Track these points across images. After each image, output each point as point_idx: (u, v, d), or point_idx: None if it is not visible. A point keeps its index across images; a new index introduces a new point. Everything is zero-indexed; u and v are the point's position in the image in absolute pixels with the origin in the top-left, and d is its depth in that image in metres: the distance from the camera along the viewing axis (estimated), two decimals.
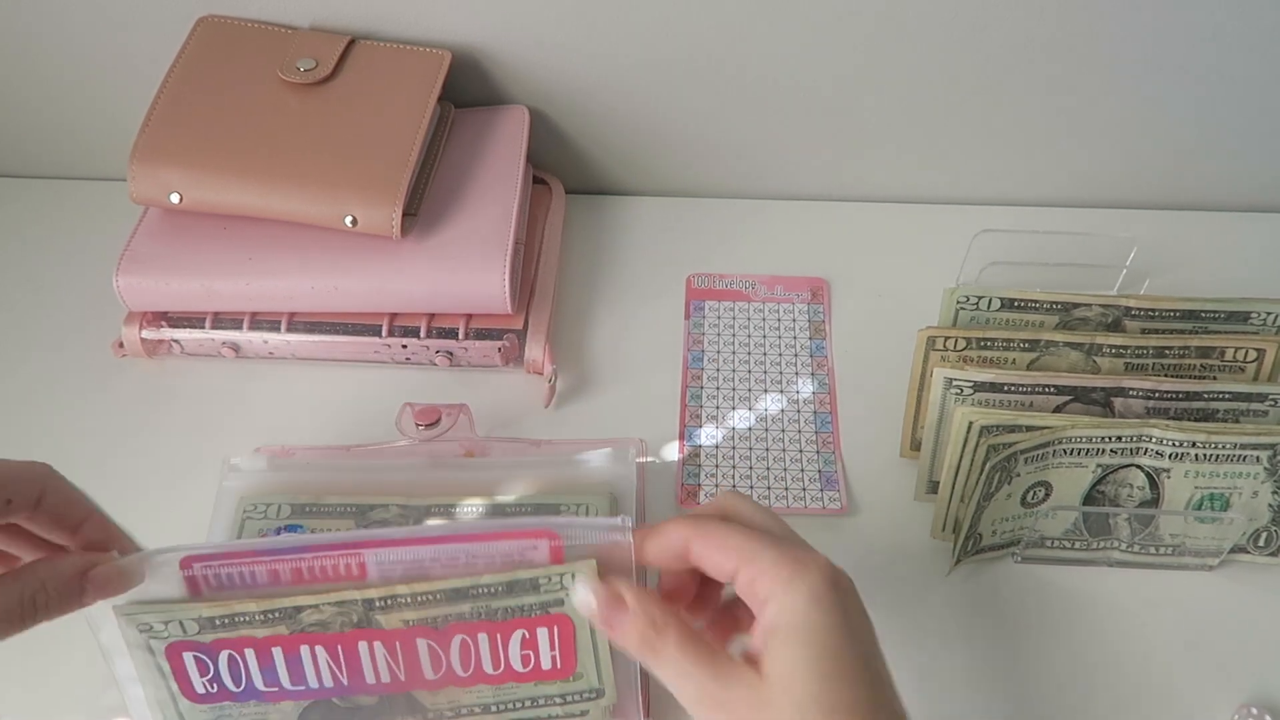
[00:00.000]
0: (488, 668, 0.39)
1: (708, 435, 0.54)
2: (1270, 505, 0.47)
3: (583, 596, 0.36)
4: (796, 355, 0.58)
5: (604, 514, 0.45)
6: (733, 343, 0.59)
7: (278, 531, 0.45)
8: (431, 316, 0.55)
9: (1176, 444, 0.46)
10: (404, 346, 0.55)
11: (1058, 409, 0.49)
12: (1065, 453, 0.46)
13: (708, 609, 0.39)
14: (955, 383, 0.48)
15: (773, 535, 0.35)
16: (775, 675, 0.32)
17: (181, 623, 0.37)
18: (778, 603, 0.33)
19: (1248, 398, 0.48)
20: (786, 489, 0.52)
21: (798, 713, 0.31)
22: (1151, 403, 0.48)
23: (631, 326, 0.60)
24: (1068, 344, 0.50)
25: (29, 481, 0.36)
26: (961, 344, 0.50)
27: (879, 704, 0.32)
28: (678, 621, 0.34)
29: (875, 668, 0.33)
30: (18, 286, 0.62)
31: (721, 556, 0.35)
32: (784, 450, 0.54)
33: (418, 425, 0.50)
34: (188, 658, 0.38)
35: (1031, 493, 0.48)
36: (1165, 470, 0.47)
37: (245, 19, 0.59)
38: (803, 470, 0.53)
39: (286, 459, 0.51)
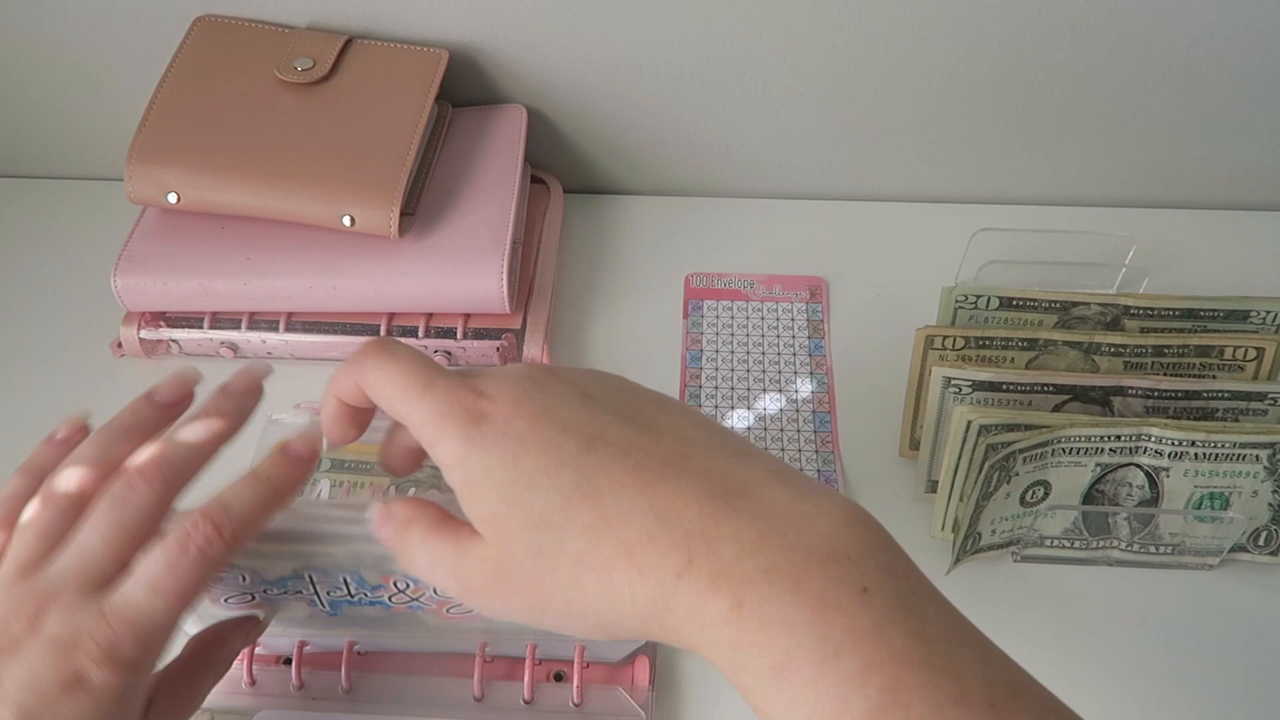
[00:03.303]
0: None
1: None
2: (1270, 504, 0.47)
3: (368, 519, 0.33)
4: (795, 354, 0.58)
5: None
6: (731, 342, 0.59)
7: (314, 483, 0.45)
8: (429, 316, 0.55)
9: (1176, 443, 0.46)
10: None
11: (1057, 408, 0.48)
12: (1064, 452, 0.46)
13: None
14: (954, 382, 0.48)
15: (421, 378, 0.31)
16: (487, 533, 0.30)
17: None
18: (444, 461, 0.30)
19: (1247, 396, 0.48)
20: None
21: (521, 548, 0.29)
22: (1151, 402, 0.48)
23: (630, 326, 0.60)
24: (1066, 343, 0.50)
25: None
26: (960, 343, 0.50)
27: (595, 465, 0.29)
28: (424, 514, 0.32)
29: (582, 433, 0.29)
30: (15, 287, 0.62)
31: (411, 443, 0.33)
32: (783, 449, 0.54)
33: None
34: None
35: (1031, 492, 0.47)
36: (1164, 469, 0.47)
37: (242, 18, 0.59)
38: (801, 469, 0.53)
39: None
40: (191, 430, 0.35)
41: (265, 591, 0.39)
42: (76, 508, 0.33)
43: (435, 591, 0.39)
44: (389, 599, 0.39)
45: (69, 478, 0.34)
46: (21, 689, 0.29)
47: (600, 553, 0.28)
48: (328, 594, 0.39)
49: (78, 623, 0.30)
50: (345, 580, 0.38)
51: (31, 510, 0.33)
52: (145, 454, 0.34)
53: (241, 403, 0.36)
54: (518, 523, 0.29)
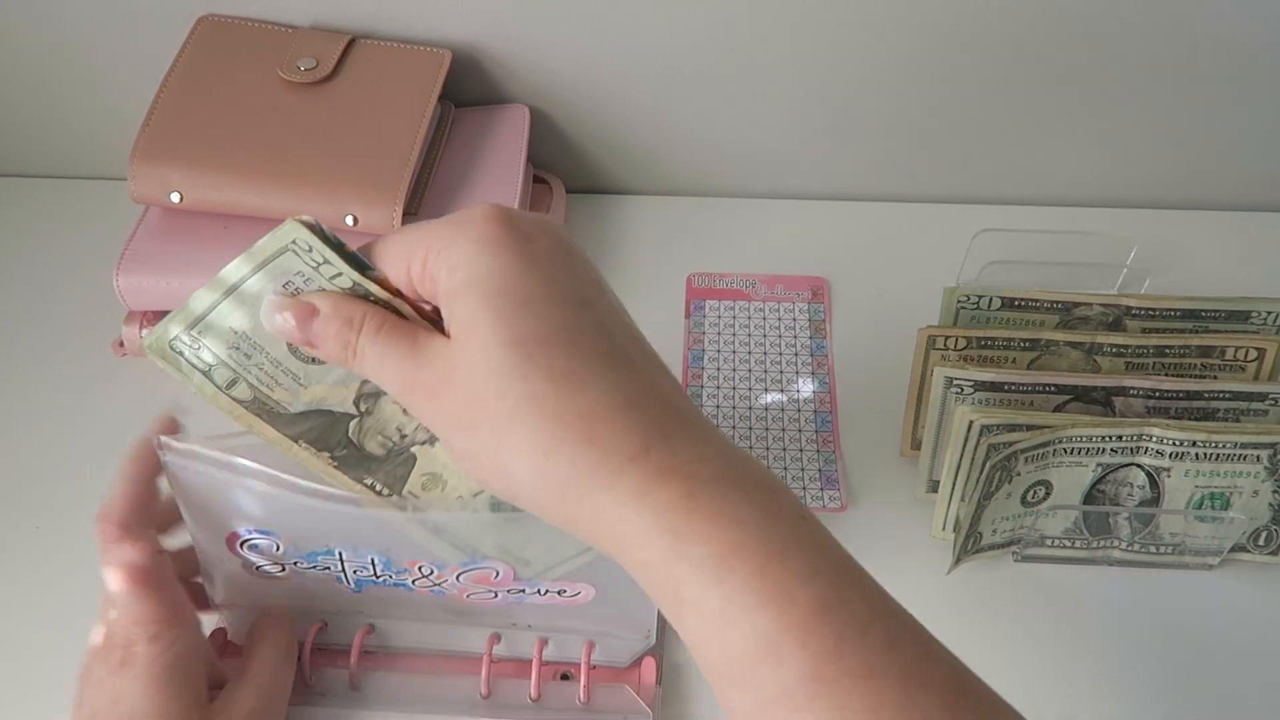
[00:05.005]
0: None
1: None
2: (1270, 504, 0.48)
3: (275, 320, 0.32)
4: (797, 354, 0.58)
5: None
6: (733, 342, 0.59)
7: None
8: None
9: (1177, 443, 0.46)
10: None
11: (1058, 408, 0.49)
12: (1065, 452, 0.46)
13: None
14: (956, 382, 0.48)
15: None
16: (458, 334, 0.29)
17: None
18: (447, 265, 0.29)
19: (1248, 397, 0.48)
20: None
21: (483, 358, 0.28)
22: (1152, 402, 0.48)
23: None
24: (1068, 343, 0.50)
25: None
26: (962, 343, 0.50)
27: (583, 327, 0.29)
28: (375, 311, 0.31)
29: (582, 295, 0.29)
30: (18, 286, 0.62)
31: (402, 259, 0.31)
32: (784, 449, 0.54)
33: None
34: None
35: (1032, 492, 0.48)
36: (1165, 469, 0.47)
37: (245, 18, 0.59)
38: (803, 469, 0.53)
39: None
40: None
41: (295, 564, 0.40)
42: None
43: (458, 579, 0.40)
44: (412, 582, 0.41)
45: None
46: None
47: (558, 404, 0.27)
48: (354, 572, 0.41)
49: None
50: (373, 560, 0.40)
51: None
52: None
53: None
54: (493, 334, 0.28)
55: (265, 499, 0.37)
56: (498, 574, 0.40)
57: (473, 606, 0.42)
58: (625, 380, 0.28)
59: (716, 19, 0.57)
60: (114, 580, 0.37)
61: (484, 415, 0.28)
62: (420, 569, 0.40)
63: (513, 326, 0.28)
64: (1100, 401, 0.48)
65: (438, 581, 0.40)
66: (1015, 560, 0.50)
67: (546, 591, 0.41)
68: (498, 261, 0.29)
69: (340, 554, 0.40)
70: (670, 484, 0.27)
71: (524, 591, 0.41)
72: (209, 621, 0.43)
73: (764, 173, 0.66)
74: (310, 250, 0.31)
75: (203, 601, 0.42)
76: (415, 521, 0.37)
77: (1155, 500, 0.48)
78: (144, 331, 0.56)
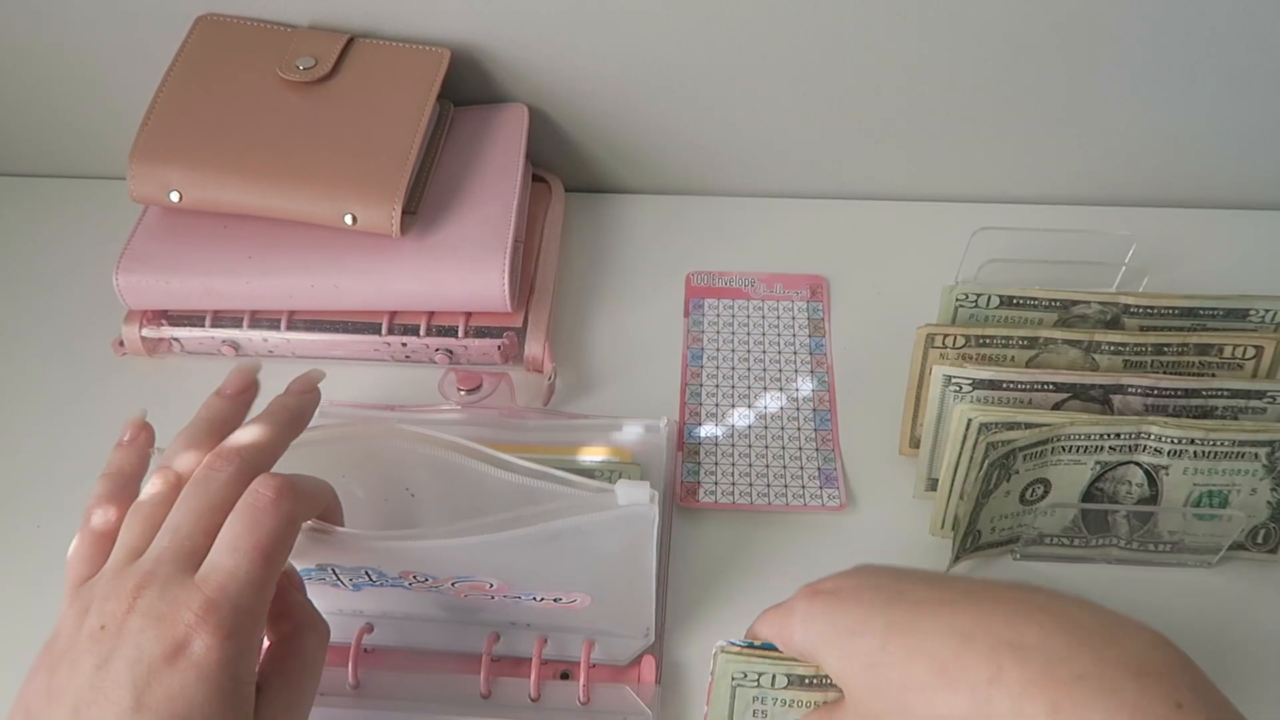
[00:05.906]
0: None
1: (707, 433, 0.55)
2: (1269, 502, 0.48)
3: None
4: (796, 353, 0.58)
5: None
6: (732, 340, 0.59)
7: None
8: (431, 315, 0.56)
9: (1175, 441, 0.46)
10: (404, 345, 0.56)
11: (1056, 406, 0.49)
12: (1064, 450, 0.46)
13: None
14: (954, 380, 0.48)
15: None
16: (833, 675, 0.35)
17: None
18: (801, 635, 0.35)
19: (1246, 395, 0.48)
20: (786, 486, 0.52)
21: (854, 683, 0.33)
22: (1150, 400, 0.48)
23: (631, 324, 0.60)
24: (1066, 341, 0.50)
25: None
26: (960, 341, 0.50)
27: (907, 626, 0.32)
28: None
29: (896, 587, 0.34)
30: (17, 285, 0.62)
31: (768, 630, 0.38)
32: (783, 448, 0.54)
33: (459, 390, 0.52)
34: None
35: (1030, 490, 0.48)
36: (1164, 467, 0.47)
37: (244, 18, 0.59)
38: (802, 468, 0.53)
39: (334, 408, 0.53)
40: (260, 418, 0.38)
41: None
42: (175, 497, 0.35)
43: (453, 585, 0.40)
44: (409, 584, 0.41)
45: (165, 472, 0.36)
46: (130, 666, 0.30)
47: (916, 676, 0.31)
48: (351, 580, 0.41)
49: (174, 595, 0.32)
50: (367, 572, 0.40)
51: (138, 503, 0.35)
52: (223, 443, 0.36)
53: (302, 400, 0.40)
54: (854, 665, 0.33)
55: None
56: (492, 585, 0.41)
57: (472, 604, 0.42)
58: (954, 618, 0.32)
59: (715, 17, 0.57)
60: (264, 538, 0.33)
61: None
62: (415, 577, 0.40)
63: (857, 654, 0.33)
64: (1098, 399, 0.48)
65: (434, 586, 0.41)
66: (1014, 559, 0.50)
67: (542, 599, 0.42)
68: (818, 618, 0.35)
69: (333, 569, 0.40)
70: (1034, 700, 0.28)
71: (520, 599, 0.42)
72: None
73: (763, 171, 0.66)
74: (746, 675, 0.37)
75: None
76: (404, 552, 0.38)
77: (1154, 498, 0.48)
78: (144, 330, 0.56)
